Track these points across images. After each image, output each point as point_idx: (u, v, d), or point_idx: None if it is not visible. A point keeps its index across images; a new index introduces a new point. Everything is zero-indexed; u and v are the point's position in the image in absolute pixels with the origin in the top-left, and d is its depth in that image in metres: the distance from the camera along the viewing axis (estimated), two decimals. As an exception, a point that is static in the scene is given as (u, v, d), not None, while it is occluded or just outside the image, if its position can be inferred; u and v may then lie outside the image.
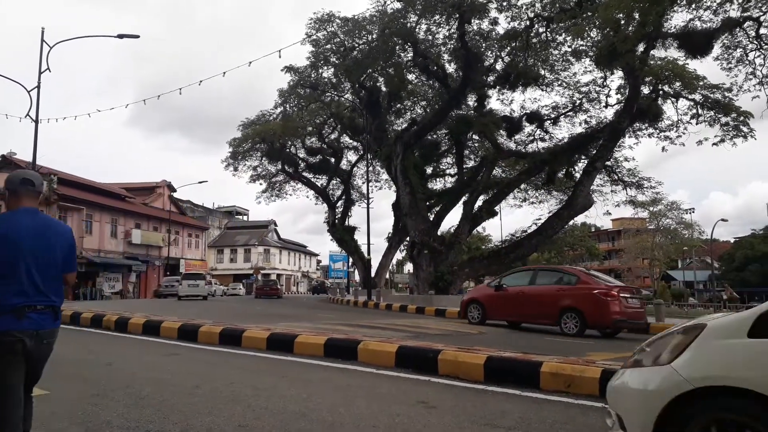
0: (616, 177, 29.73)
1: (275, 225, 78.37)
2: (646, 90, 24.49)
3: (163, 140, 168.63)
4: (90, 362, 7.08)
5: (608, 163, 27.89)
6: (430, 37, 27.52)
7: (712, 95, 23.57)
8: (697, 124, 24.41)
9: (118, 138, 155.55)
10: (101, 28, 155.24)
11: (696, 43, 21.33)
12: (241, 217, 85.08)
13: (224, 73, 22.26)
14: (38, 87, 20.54)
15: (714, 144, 23.57)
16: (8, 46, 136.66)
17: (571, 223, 34.45)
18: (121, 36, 21.27)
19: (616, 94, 26.09)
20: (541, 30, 24.44)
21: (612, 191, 30.51)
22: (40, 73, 20.48)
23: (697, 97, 23.99)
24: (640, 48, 21.36)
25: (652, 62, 22.77)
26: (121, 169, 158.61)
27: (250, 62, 21.32)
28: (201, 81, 22.58)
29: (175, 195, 56.83)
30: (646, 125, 26.17)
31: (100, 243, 42.94)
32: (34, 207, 2.95)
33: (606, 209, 37.19)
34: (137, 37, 21.36)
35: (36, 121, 20.61)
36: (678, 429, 2.66)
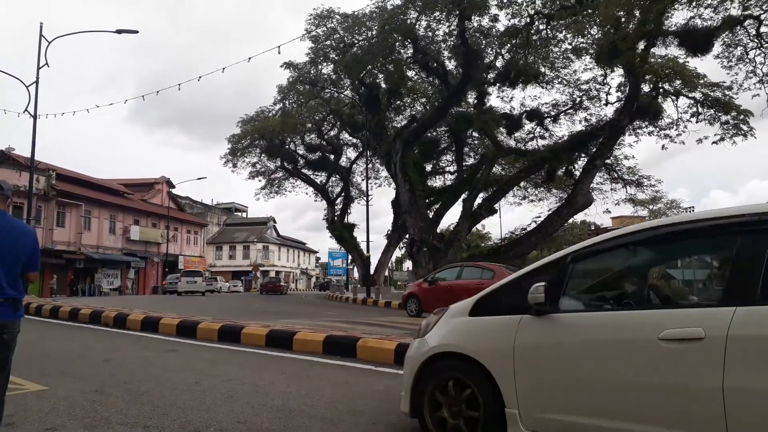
0: (615, 175, 29.74)
1: (274, 222, 78.35)
2: (646, 88, 24.47)
3: (163, 136, 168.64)
4: (88, 358, 7.08)
5: (608, 161, 27.89)
6: (430, 34, 27.47)
7: (712, 93, 23.56)
8: (697, 122, 24.43)
9: (117, 134, 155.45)
10: (101, 23, 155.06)
11: (696, 41, 21.32)
12: (240, 213, 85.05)
13: (223, 69, 22.18)
14: (36, 82, 20.50)
15: (714, 142, 23.60)
16: (7, 41, 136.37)
17: (570, 221, 34.48)
18: (119, 31, 21.21)
19: (617, 91, 26.11)
20: (541, 27, 24.42)
21: (612, 189, 30.54)
22: (39, 68, 20.42)
23: (698, 95, 23.98)
24: (641, 46, 21.35)
25: (652, 60, 22.75)
26: (120, 164, 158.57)
27: (249, 58, 21.22)
28: (200, 77, 22.47)
29: (174, 191, 56.83)
30: (646, 123, 26.16)
31: (98, 239, 42.93)
32: (2, 209, 3.16)
33: (606, 207, 37.34)
34: (136, 32, 21.30)
35: (35, 117, 20.57)
36: (425, 385, 3.60)
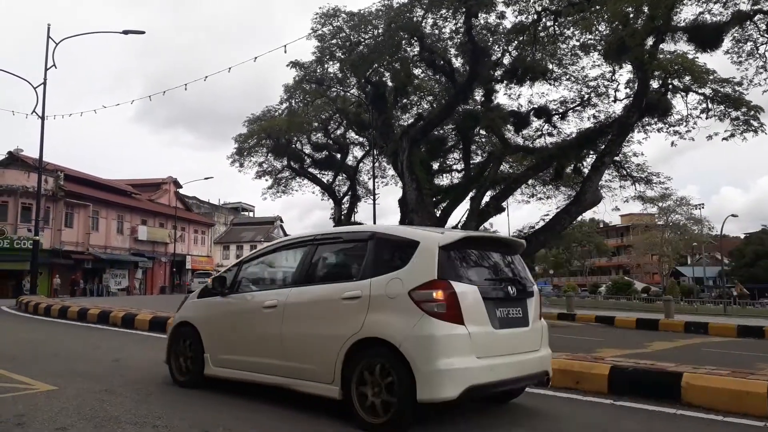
0: (624, 172, 29.47)
1: (281, 221, 78.51)
2: (655, 84, 24.23)
3: (170, 136, 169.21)
4: (97, 358, 7.10)
5: (617, 158, 27.64)
6: (437, 32, 27.35)
7: (722, 89, 23.29)
8: (707, 118, 24.13)
9: (124, 134, 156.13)
10: (108, 24, 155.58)
11: (706, 36, 21.10)
12: (247, 213, 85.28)
13: (230, 68, 22.19)
14: (44, 83, 20.61)
15: (724, 139, 23.31)
16: (15, 43, 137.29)
17: (579, 219, 34.30)
18: (126, 32, 21.29)
19: (625, 88, 25.82)
20: (549, 24, 24.23)
21: (621, 187, 30.21)
22: (46, 69, 20.54)
23: (707, 91, 23.72)
24: (649, 42, 21.16)
25: (661, 56, 22.53)
26: (128, 165, 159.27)
27: (256, 58, 21.23)
28: (206, 77, 22.50)
29: (181, 191, 57.07)
30: (656, 120, 25.91)
31: (106, 239, 43.16)
32: None
33: (614, 205, 37.08)
34: (142, 33, 21.41)
35: (42, 118, 20.68)
36: (175, 343, 5.64)
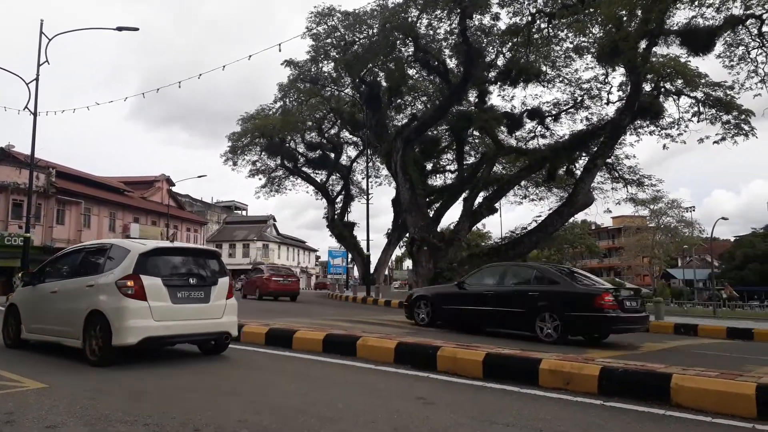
0: (616, 174, 29.66)
1: (274, 220, 78.30)
2: (647, 87, 24.41)
3: (164, 134, 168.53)
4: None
5: (609, 160, 27.82)
6: (431, 32, 27.42)
7: (713, 93, 23.50)
8: (698, 122, 24.35)
9: (118, 131, 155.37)
10: (106, 21, 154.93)
11: (698, 40, 21.26)
12: (240, 212, 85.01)
13: (224, 66, 22.12)
14: (37, 79, 20.46)
15: (715, 142, 23.52)
16: (8, 38, 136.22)
17: (571, 220, 34.41)
18: (120, 28, 21.16)
19: (618, 91, 26.02)
20: (542, 26, 24.35)
21: (612, 189, 30.44)
22: (39, 65, 20.39)
23: (699, 94, 23.92)
24: (642, 45, 21.29)
25: (654, 59, 22.69)
26: (122, 162, 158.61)
27: (250, 56, 21.21)
28: (200, 74, 22.44)
29: (174, 189, 56.79)
30: (648, 123, 26.09)
31: (98, 237, 42.84)
32: None
33: (606, 207, 37.02)
34: (136, 29, 21.26)
35: (35, 114, 20.53)
36: (8, 320, 7.91)
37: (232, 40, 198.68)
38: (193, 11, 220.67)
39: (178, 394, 4.87)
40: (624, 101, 24.71)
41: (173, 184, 55.75)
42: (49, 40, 20.70)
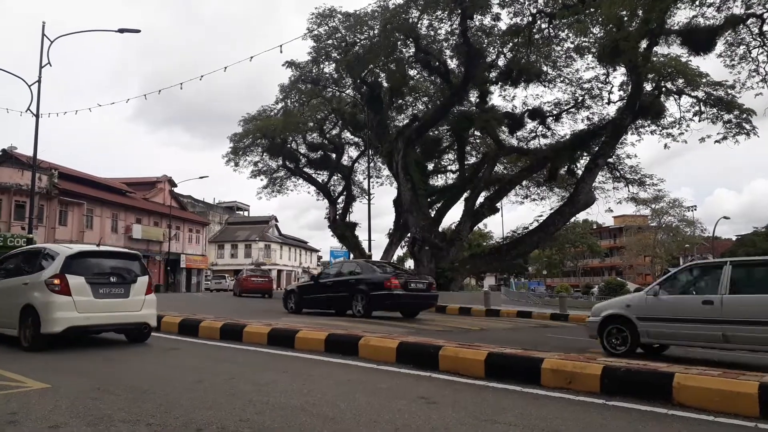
0: (618, 174, 29.63)
1: (276, 221, 78.35)
2: (648, 87, 24.39)
3: (166, 135, 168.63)
4: (90, 356, 7.09)
5: (610, 160, 27.80)
6: (432, 33, 27.40)
7: (714, 92, 23.47)
8: (699, 121, 24.32)
9: (120, 133, 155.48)
10: (108, 23, 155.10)
11: (699, 40, 21.22)
12: (241, 212, 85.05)
13: (225, 68, 22.13)
14: (39, 81, 20.50)
15: (716, 141, 23.49)
16: (10, 40, 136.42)
17: (572, 220, 34.38)
18: (121, 30, 21.20)
19: (619, 90, 25.98)
20: (543, 26, 24.32)
21: (614, 188, 30.39)
22: (41, 67, 20.43)
23: (700, 94, 23.90)
24: (643, 44, 21.27)
25: (654, 59, 22.67)
26: (124, 164, 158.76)
27: (251, 57, 21.23)
28: (202, 76, 22.46)
29: (176, 190, 56.85)
30: (649, 122, 26.07)
31: (101, 238, 42.94)
32: None
33: (608, 206, 37.02)
34: (138, 31, 21.31)
35: (37, 116, 20.58)
36: None
37: (234, 42, 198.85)
38: (195, 13, 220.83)
39: (179, 393, 4.88)
40: (625, 101, 24.70)
41: (175, 185, 55.80)
42: (51, 42, 20.75)
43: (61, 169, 40.18)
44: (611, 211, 34.32)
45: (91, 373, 5.79)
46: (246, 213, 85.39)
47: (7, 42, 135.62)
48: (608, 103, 27.09)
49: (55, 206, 38.02)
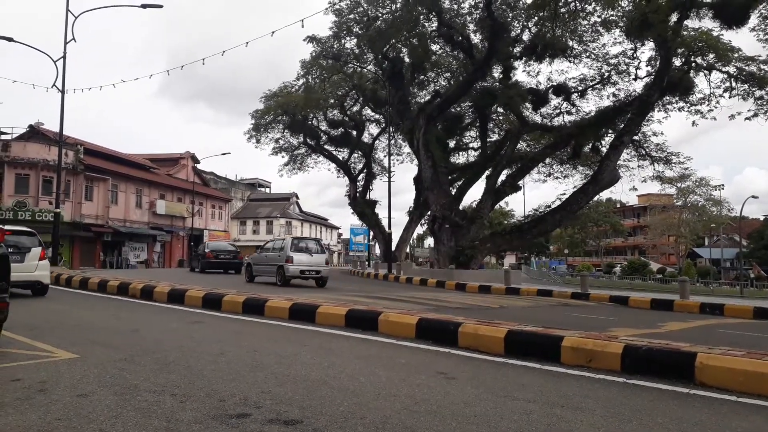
0: (643, 152, 29.09)
1: (297, 198, 78.81)
2: (677, 62, 23.75)
3: (190, 111, 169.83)
4: (117, 328, 7.25)
5: (636, 137, 27.29)
6: (456, 7, 26.99)
7: (746, 68, 22.76)
8: (730, 97, 23.65)
9: (145, 109, 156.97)
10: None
11: (732, 13, 20.56)
12: (263, 189, 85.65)
13: (247, 43, 22.21)
14: (64, 57, 20.73)
15: (747, 119, 22.88)
16: (35, 16, 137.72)
17: (595, 198, 33.95)
18: (144, 6, 21.26)
19: (647, 66, 25.37)
20: (569, -1, 23.76)
21: (639, 166, 29.89)
22: (66, 43, 20.64)
23: (731, 69, 23.20)
24: (673, 18, 20.68)
25: (684, 33, 22.03)
26: (148, 139, 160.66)
27: (273, 32, 21.16)
28: (224, 52, 22.54)
29: (199, 166, 57.39)
30: (677, 99, 25.46)
31: (125, 213, 43.71)
32: None
33: (632, 185, 36.66)
34: (160, 7, 21.34)
35: (62, 91, 20.85)
36: None
37: (261, 16, 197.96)
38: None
39: (203, 365, 4.98)
40: (653, 76, 24.11)
41: (198, 162, 56.34)
42: (76, 17, 20.92)
43: (87, 145, 40.79)
44: (636, 189, 33.90)
45: (117, 345, 5.93)
46: (267, 190, 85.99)
47: (32, 18, 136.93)
48: (635, 79, 26.50)
49: (81, 181, 38.70)
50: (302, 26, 26.53)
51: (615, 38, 25.69)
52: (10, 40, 21.43)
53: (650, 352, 5.23)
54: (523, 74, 44.63)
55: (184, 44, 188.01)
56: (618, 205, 68.39)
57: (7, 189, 34.97)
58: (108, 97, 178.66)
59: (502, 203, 41.94)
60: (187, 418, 3.44)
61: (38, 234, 11.63)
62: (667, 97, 25.30)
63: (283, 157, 41.42)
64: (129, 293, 11.49)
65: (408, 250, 52.96)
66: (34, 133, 39.60)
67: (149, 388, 4.13)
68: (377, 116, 39.37)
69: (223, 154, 63.20)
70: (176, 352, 5.61)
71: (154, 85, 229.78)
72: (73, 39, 20.92)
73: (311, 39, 31.81)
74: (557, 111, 29.72)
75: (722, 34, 22.13)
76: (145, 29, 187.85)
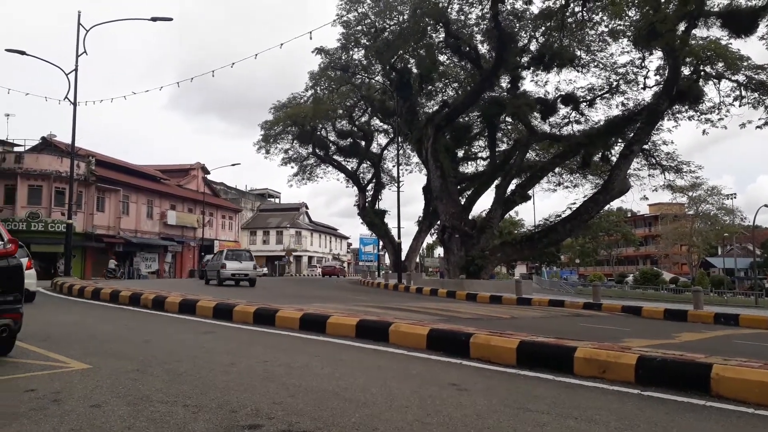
0: (654, 161, 28.95)
1: (306, 208, 79.05)
2: (686, 71, 23.67)
3: (201, 123, 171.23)
4: (129, 339, 7.28)
5: (646, 146, 27.17)
6: (463, 18, 27.09)
7: (756, 76, 22.65)
8: (740, 106, 23.52)
9: (156, 121, 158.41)
10: (144, 11, 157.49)
11: (740, 21, 20.50)
12: (273, 199, 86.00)
13: (256, 55, 22.36)
14: (76, 70, 20.99)
15: (758, 127, 22.71)
16: (47, 30, 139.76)
17: (606, 207, 33.77)
18: (154, 19, 21.52)
19: (655, 75, 25.31)
20: (576, 9, 23.79)
21: (649, 175, 29.73)
22: (77, 56, 20.90)
23: (741, 78, 23.09)
24: (681, 27, 20.64)
25: (693, 42, 21.97)
26: (159, 151, 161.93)
27: (282, 44, 21.37)
28: (233, 63, 22.76)
29: (209, 177, 57.76)
30: (686, 107, 25.34)
31: (136, 224, 44.00)
32: None
33: (643, 194, 36.47)
34: (170, 19, 21.59)
35: (74, 104, 21.09)
36: None
37: (267, 30, 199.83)
38: (229, 2, 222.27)
39: (214, 376, 4.98)
40: (662, 86, 24.04)
41: (208, 172, 56.72)
42: (87, 31, 21.21)
43: (99, 157, 41.20)
44: (646, 198, 33.79)
45: (130, 356, 5.95)
46: (277, 200, 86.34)
47: (44, 32, 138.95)
48: (644, 88, 26.44)
49: (92, 193, 39.04)
50: (311, 38, 26.81)
51: (623, 48, 25.71)
52: (22, 53, 21.74)
53: (665, 363, 5.18)
54: (531, 84, 44.80)
55: (194, 56, 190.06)
56: (629, 215, 67.94)
57: (20, 200, 35.33)
58: (119, 109, 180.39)
59: (511, 213, 41.81)
60: (199, 429, 3.44)
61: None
62: (677, 106, 25.20)
63: (292, 167, 41.69)
64: (140, 303, 11.54)
65: (418, 259, 52.87)
66: (47, 145, 40.05)
67: (161, 398, 4.14)
68: (386, 126, 39.52)
69: (233, 164, 64.05)
70: (188, 362, 5.62)
71: (165, 97, 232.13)
72: (85, 52, 21.20)
73: (320, 51, 32.05)
74: (566, 120, 29.69)
75: (731, 43, 22.09)
76: (155, 42, 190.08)
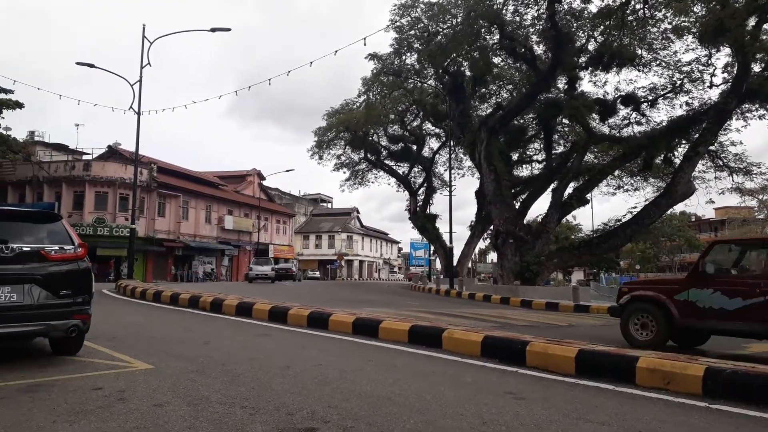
0: (720, 163, 27.58)
1: (358, 212, 79.69)
2: (756, 68, 22.47)
3: (257, 130, 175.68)
4: (189, 340, 7.50)
5: (712, 147, 25.93)
6: (518, 19, 26.67)
7: (835, 71, 21.28)
8: (816, 103, 22.16)
9: (215, 128, 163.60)
10: (204, 22, 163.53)
11: (817, 14, 19.30)
12: (325, 204, 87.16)
13: (311, 63, 22.82)
14: (140, 81, 21.88)
15: (837, 125, 21.32)
16: (114, 43, 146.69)
17: (669, 212, 32.44)
18: (213, 29, 22.21)
19: (722, 73, 24.13)
20: (638, 6, 23.02)
21: (716, 178, 28.30)
22: (142, 67, 21.80)
23: (818, 73, 21.74)
24: (751, 22, 19.62)
25: (764, 37, 20.85)
26: (217, 157, 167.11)
27: (336, 51, 21.65)
28: (289, 71, 23.18)
29: (265, 183, 59.11)
30: (757, 106, 24.07)
31: (195, 228, 45.47)
32: None
33: (709, 197, 34.72)
34: (228, 30, 22.23)
35: (138, 114, 21.99)
36: None
37: (323, 37, 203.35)
38: (286, 10, 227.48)
39: (270, 378, 5.06)
40: (730, 84, 22.92)
41: (264, 178, 58.05)
42: (151, 43, 22.08)
43: (160, 164, 42.86)
44: (712, 202, 32.19)
45: (189, 357, 6.12)
46: (329, 205, 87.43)
47: (111, 45, 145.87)
48: (710, 87, 25.25)
49: (154, 198, 40.62)
50: (364, 44, 27.02)
51: (687, 45, 24.63)
52: (91, 66, 22.87)
53: (735, 376, 4.91)
54: (589, 84, 43.70)
55: (252, 65, 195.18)
56: (693, 219, 65.11)
57: (88, 206, 37.13)
58: (180, 117, 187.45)
59: (569, 217, 40.73)
60: (257, 431, 3.50)
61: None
62: (746, 105, 23.97)
63: (344, 172, 42.09)
64: (199, 306, 11.88)
65: (470, 265, 52.29)
66: (113, 153, 42.02)
67: (220, 399, 4.23)
68: (437, 130, 39.35)
69: (288, 170, 65.50)
70: (245, 364, 5.73)
71: (224, 105, 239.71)
72: (149, 63, 22.07)
73: (372, 56, 32.28)
74: (626, 121, 28.72)
75: (806, 37, 20.82)
76: (214, 52, 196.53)
